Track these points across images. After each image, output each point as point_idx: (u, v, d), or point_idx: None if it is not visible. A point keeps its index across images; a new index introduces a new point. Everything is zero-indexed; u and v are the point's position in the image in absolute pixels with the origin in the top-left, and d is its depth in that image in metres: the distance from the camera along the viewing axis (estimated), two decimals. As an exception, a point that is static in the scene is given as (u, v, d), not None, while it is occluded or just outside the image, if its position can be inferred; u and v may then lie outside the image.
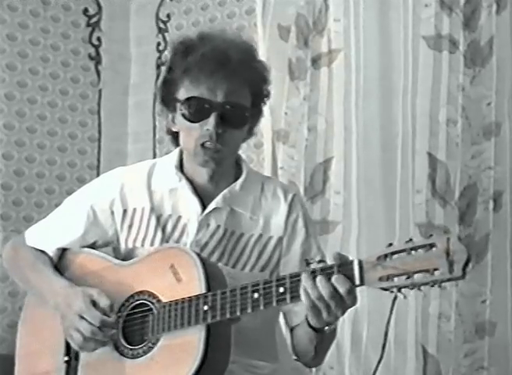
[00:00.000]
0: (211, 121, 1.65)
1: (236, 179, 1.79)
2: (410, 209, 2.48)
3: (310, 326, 1.57)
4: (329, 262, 1.47)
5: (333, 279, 1.43)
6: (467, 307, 2.42)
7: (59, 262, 1.86)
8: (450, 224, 2.42)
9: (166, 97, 1.76)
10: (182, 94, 1.70)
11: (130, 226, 1.79)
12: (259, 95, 1.76)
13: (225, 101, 1.66)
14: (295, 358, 1.77)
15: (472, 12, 2.45)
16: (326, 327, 1.55)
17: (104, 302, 1.64)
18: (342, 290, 1.42)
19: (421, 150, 2.49)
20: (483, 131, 2.43)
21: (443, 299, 2.43)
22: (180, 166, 1.79)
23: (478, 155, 2.43)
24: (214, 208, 1.74)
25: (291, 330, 1.77)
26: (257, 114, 1.78)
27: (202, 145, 1.68)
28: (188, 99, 1.69)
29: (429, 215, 2.46)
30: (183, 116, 1.70)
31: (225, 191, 1.75)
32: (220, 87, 1.65)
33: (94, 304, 1.65)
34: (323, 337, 1.61)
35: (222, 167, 1.74)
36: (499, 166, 2.40)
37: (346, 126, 2.63)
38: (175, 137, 1.79)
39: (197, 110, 1.67)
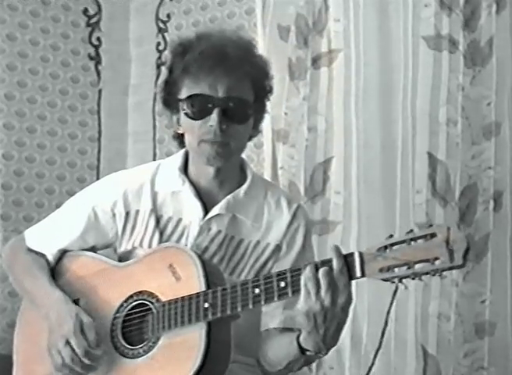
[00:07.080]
0: (213, 117, 1.65)
1: (240, 184, 1.78)
2: (410, 209, 2.47)
3: (299, 344, 1.54)
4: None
5: (334, 271, 1.42)
6: (466, 307, 2.41)
7: (57, 265, 1.86)
8: (450, 224, 2.40)
9: (169, 99, 1.75)
10: (183, 93, 1.70)
11: (133, 228, 1.79)
12: (261, 90, 1.75)
13: (227, 97, 1.66)
14: (258, 362, 1.73)
15: (472, 12, 2.44)
16: (312, 353, 1.52)
17: (90, 336, 1.63)
18: (340, 283, 1.41)
19: (421, 150, 2.48)
20: (483, 131, 2.42)
21: (443, 299, 2.42)
22: (185, 169, 1.79)
23: (478, 155, 2.43)
24: (216, 214, 1.73)
25: (264, 331, 1.74)
26: (260, 109, 1.77)
27: (207, 142, 1.67)
28: (189, 97, 1.68)
29: (429, 215, 2.45)
30: (186, 114, 1.70)
31: (229, 196, 1.75)
32: (220, 83, 1.65)
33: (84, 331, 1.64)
34: (303, 358, 1.58)
35: (230, 164, 1.73)
36: (499, 166, 2.40)
37: (346, 126, 2.62)
38: (181, 139, 1.78)
39: (200, 107, 1.67)
